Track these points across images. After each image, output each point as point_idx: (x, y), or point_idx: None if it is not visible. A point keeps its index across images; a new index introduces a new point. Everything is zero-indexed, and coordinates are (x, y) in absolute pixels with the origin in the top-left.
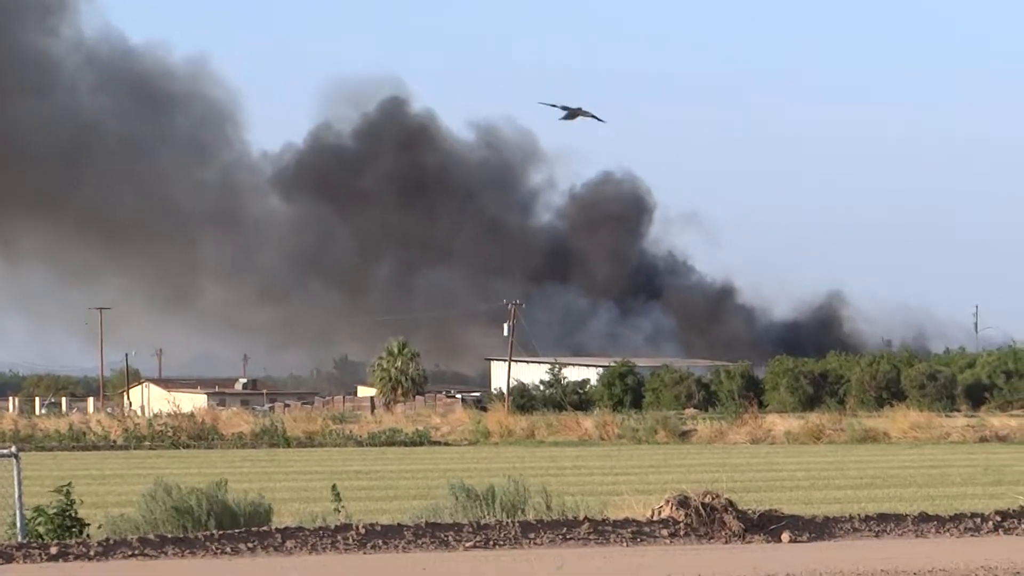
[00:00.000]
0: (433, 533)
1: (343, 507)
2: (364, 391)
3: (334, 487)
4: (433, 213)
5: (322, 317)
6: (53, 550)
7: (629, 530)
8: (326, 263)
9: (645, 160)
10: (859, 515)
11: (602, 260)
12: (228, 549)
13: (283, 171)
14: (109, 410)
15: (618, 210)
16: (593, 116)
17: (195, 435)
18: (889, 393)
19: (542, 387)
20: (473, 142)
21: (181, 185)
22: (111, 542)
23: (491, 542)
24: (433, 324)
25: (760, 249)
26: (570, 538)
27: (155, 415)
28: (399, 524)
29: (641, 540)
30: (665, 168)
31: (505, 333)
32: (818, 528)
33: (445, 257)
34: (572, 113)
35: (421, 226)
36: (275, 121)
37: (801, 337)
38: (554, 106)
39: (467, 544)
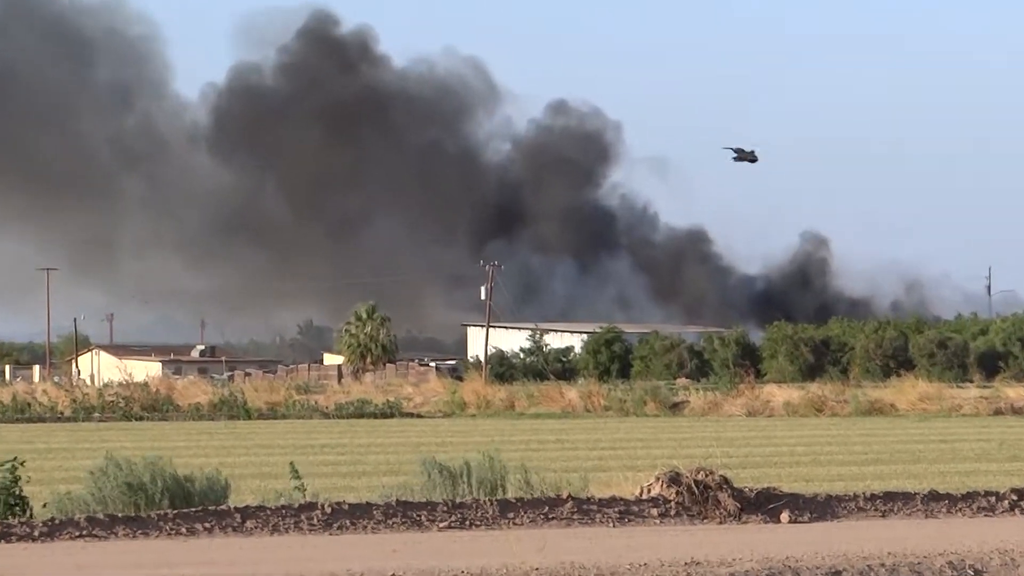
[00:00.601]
0: (405, 512)
1: (305, 485)
2: (331, 359)
3: (292, 464)
4: (366, 157)
5: (266, 280)
6: None
7: (616, 509)
8: (254, 220)
9: (612, 94)
10: (864, 493)
11: (556, 210)
12: (183, 529)
13: (210, 117)
14: (56, 379)
15: (574, 152)
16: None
17: (149, 406)
18: (896, 362)
19: (522, 355)
20: (411, 74)
21: (103, 133)
22: (57, 522)
23: (467, 522)
24: (393, 287)
25: (734, 199)
26: (552, 518)
27: (106, 384)
28: (368, 503)
29: (629, 520)
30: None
31: (483, 296)
32: (820, 507)
33: (386, 209)
34: (743, 155)
35: (353, 174)
36: (201, 58)
37: (782, 295)
38: (730, 149)
39: (441, 524)
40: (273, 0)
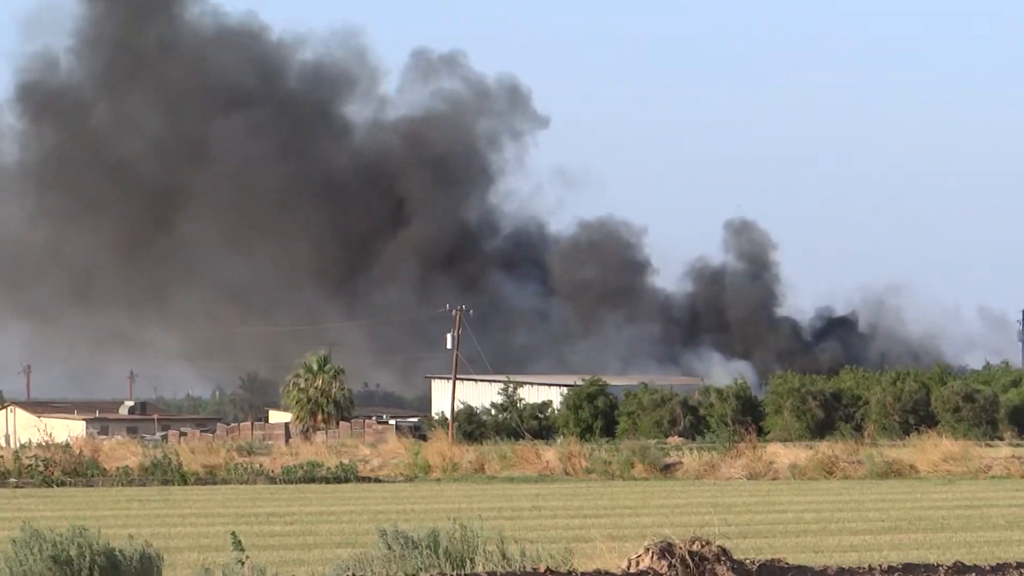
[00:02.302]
0: None
1: (248, 557)
2: (277, 416)
3: (234, 534)
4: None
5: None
6: None
7: None
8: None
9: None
10: (880, 565)
11: (434, 215)
12: None
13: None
14: None
15: (452, 147)
16: None
17: (71, 470)
18: (917, 417)
19: (494, 411)
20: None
21: None
22: None
23: None
24: (355, 332)
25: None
26: None
27: (22, 446)
28: None
29: None
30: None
31: (449, 345)
32: None
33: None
34: None
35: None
36: None
37: (704, 315)
38: None
39: None
40: None
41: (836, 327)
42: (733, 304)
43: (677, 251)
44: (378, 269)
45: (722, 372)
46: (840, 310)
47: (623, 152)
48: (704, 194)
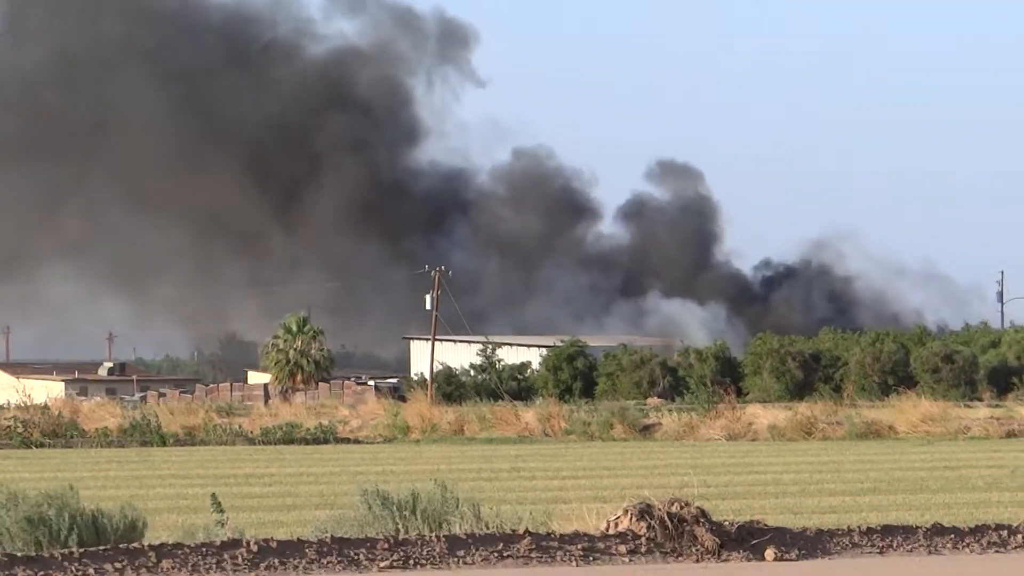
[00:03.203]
0: (341, 550)
1: (228, 519)
2: (256, 377)
3: (214, 496)
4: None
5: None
6: None
7: (579, 546)
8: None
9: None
10: (859, 527)
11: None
12: (92, 570)
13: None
14: None
15: (378, 89)
16: None
17: (50, 431)
18: (896, 378)
19: (472, 372)
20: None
21: None
22: None
23: (411, 561)
24: (329, 293)
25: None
26: (507, 556)
27: (1, 407)
28: (299, 539)
29: (594, 559)
30: None
31: (428, 306)
32: (809, 543)
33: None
34: None
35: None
36: None
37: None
38: None
39: (382, 563)
40: None
41: (785, 278)
42: (675, 249)
43: (614, 197)
44: (306, 227)
45: (690, 320)
46: (784, 261)
47: (556, 98)
48: (638, 139)
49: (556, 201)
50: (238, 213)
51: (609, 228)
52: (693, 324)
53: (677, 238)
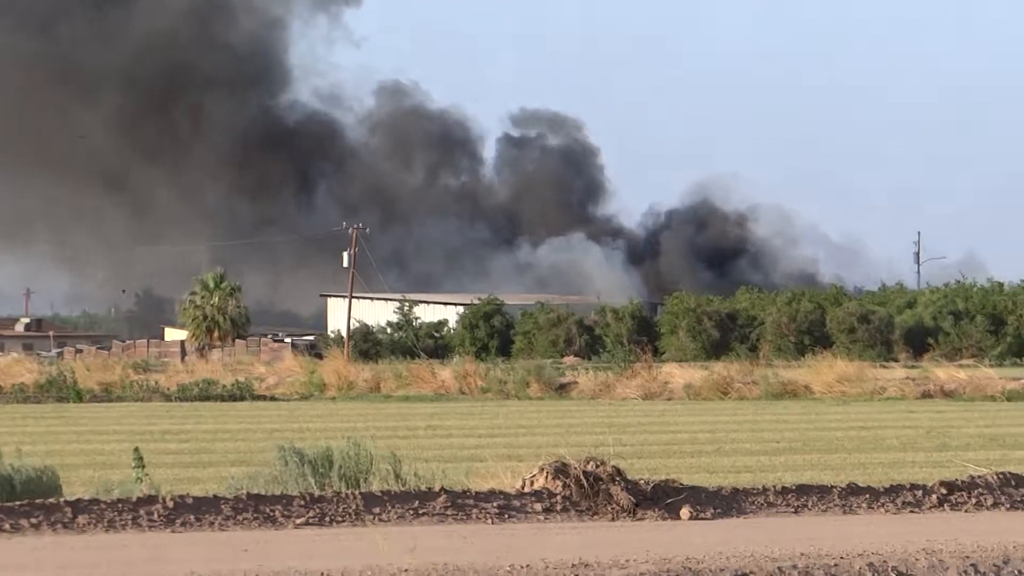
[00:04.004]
0: (257, 507)
1: (147, 475)
2: (172, 334)
3: (136, 450)
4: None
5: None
6: None
7: (495, 504)
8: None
9: None
10: (774, 487)
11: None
12: (6, 526)
13: None
14: None
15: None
16: None
17: None
18: (812, 338)
19: (390, 330)
20: None
21: None
22: None
23: (328, 518)
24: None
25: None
26: (423, 513)
27: None
28: (215, 496)
29: (509, 516)
30: None
31: (345, 263)
32: (724, 502)
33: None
34: None
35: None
36: None
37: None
38: None
39: (298, 520)
40: None
41: (667, 227)
42: (557, 198)
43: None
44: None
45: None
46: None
47: (429, 42)
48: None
49: (433, 148)
50: (113, 163)
51: (490, 178)
52: (588, 270)
53: (560, 187)
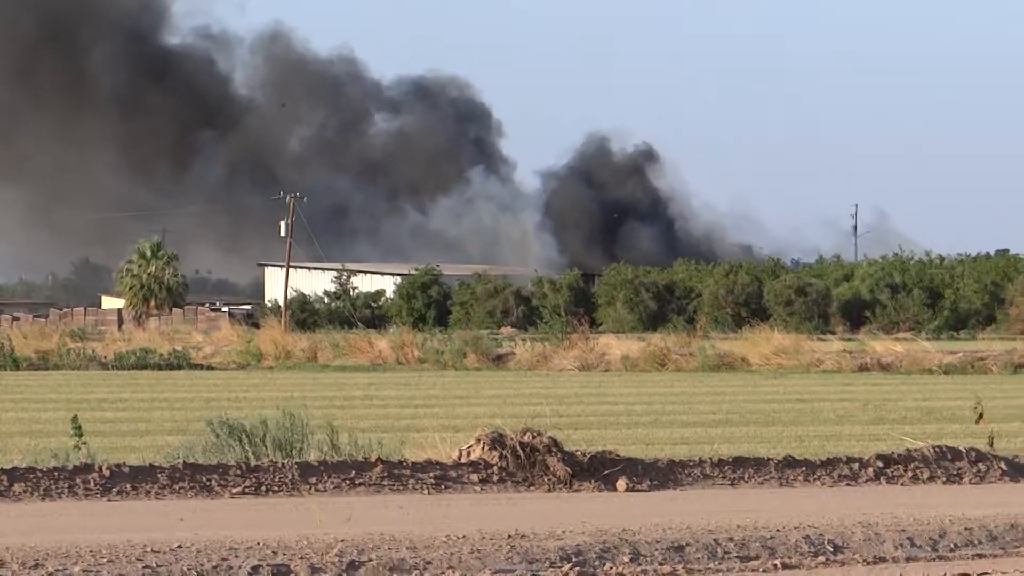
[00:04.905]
0: (193, 476)
1: (85, 443)
2: (110, 302)
3: (75, 418)
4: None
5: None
6: None
7: (431, 474)
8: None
9: None
10: (711, 459)
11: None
12: None
13: None
14: None
15: None
16: None
17: None
18: (749, 310)
19: (327, 299)
20: None
21: None
22: None
23: (264, 488)
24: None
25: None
26: (360, 483)
27: None
28: (151, 465)
29: (446, 487)
30: None
31: (283, 232)
32: (661, 474)
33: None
34: None
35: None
36: None
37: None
38: None
39: (234, 490)
40: None
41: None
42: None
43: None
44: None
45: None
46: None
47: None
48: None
49: (324, 98)
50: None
51: (380, 137)
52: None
53: (449, 145)
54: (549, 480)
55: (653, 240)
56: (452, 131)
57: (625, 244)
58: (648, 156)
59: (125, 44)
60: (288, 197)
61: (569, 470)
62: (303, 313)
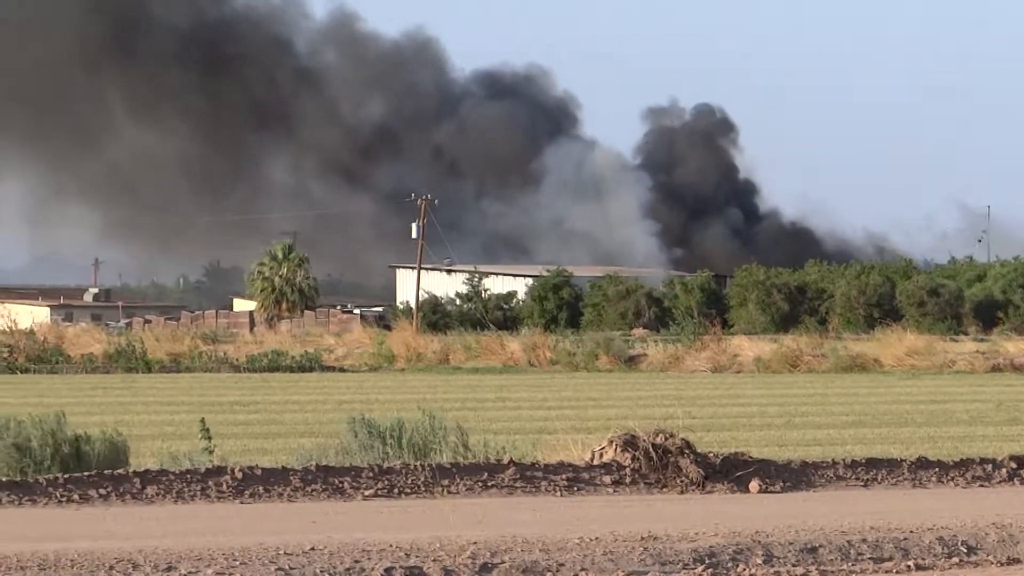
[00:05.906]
0: (325, 478)
1: (215, 446)
2: (241, 304)
3: (203, 421)
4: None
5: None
6: None
7: (564, 477)
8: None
9: None
10: (844, 460)
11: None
12: (75, 496)
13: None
14: None
15: None
16: None
17: (35, 357)
18: (881, 311)
19: (459, 301)
20: None
21: None
22: None
23: (396, 490)
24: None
25: None
26: (492, 486)
27: None
28: (284, 467)
29: (578, 489)
30: None
31: (414, 234)
32: (794, 475)
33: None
34: None
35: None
36: None
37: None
38: None
39: (367, 492)
40: None
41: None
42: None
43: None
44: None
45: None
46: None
47: None
48: None
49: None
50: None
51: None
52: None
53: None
54: (682, 482)
55: (782, 239)
56: (530, 125)
57: (758, 244)
58: (724, 127)
59: (267, 56)
60: (419, 200)
61: (702, 472)
62: (435, 315)
